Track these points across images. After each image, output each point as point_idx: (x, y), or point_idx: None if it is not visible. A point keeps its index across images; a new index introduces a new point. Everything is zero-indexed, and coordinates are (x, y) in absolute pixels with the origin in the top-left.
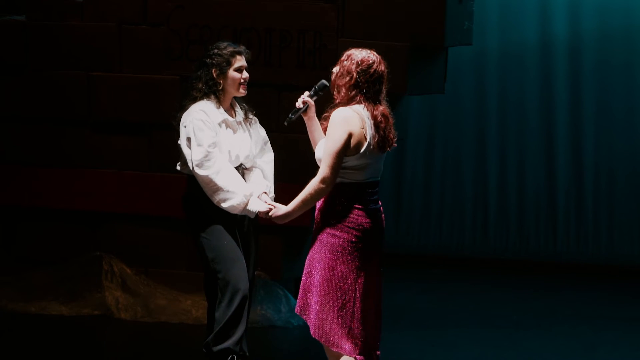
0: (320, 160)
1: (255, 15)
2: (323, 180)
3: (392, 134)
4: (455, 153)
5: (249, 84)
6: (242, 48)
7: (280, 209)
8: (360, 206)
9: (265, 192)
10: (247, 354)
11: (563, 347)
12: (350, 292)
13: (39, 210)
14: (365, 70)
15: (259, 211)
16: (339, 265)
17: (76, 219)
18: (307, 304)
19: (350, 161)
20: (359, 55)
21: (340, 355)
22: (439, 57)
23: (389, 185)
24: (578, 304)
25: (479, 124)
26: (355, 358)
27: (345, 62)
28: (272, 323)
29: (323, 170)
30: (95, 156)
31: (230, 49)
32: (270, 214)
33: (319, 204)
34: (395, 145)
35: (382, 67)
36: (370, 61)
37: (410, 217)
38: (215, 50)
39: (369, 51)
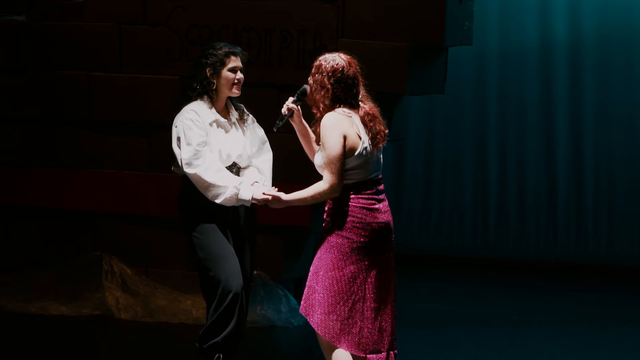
0: (320, 167)
1: (255, 15)
2: (330, 187)
3: (382, 127)
4: (455, 153)
5: (249, 84)
6: (237, 49)
7: (279, 195)
8: (366, 205)
9: (256, 182)
10: (239, 351)
11: (563, 347)
12: (360, 292)
13: (39, 211)
14: (338, 78)
15: (253, 198)
16: (348, 266)
17: (76, 219)
18: (312, 304)
19: (350, 162)
20: (328, 65)
21: (344, 355)
22: (439, 57)
23: (389, 186)
24: (578, 303)
25: (479, 124)
26: (366, 357)
27: (316, 75)
28: (272, 323)
29: (328, 178)
30: (95, 156)
31: (226, 49)
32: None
33: (326, 206)
34: (387, 139)
35: (353, 70)
36: (341, 67)
37: (410, 217)
38: (211, 50)
39: (335, 55)
